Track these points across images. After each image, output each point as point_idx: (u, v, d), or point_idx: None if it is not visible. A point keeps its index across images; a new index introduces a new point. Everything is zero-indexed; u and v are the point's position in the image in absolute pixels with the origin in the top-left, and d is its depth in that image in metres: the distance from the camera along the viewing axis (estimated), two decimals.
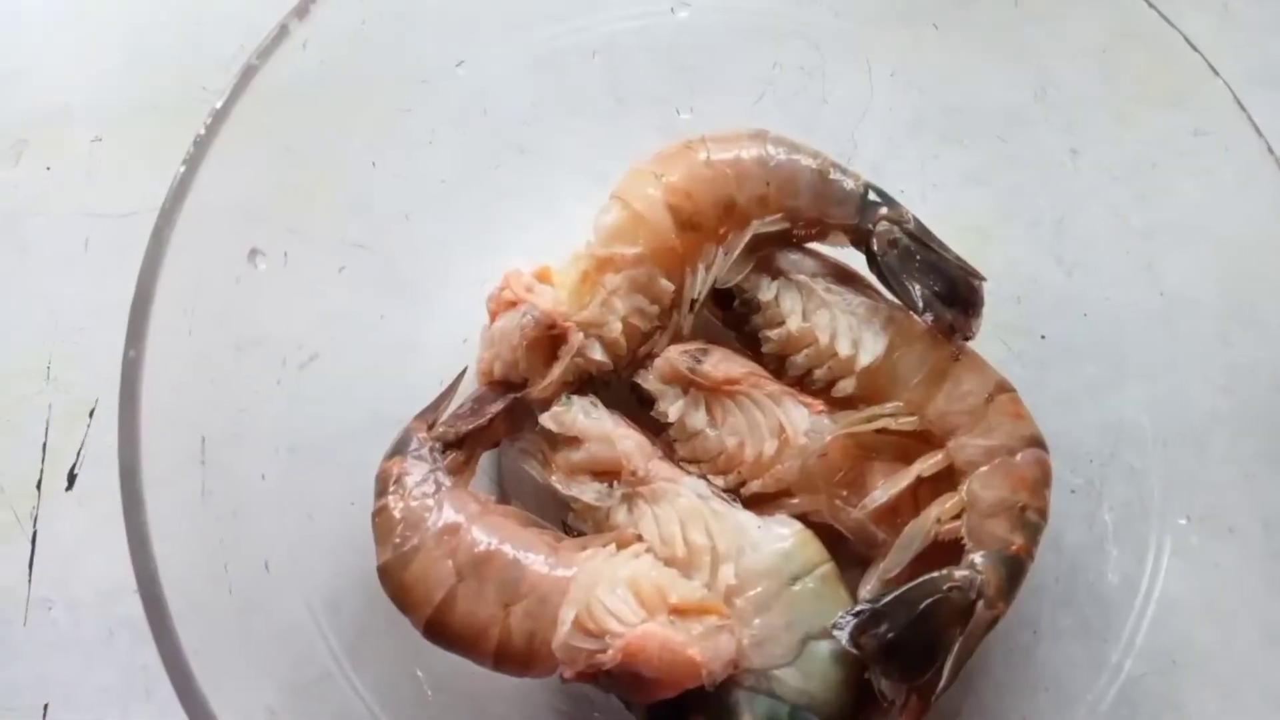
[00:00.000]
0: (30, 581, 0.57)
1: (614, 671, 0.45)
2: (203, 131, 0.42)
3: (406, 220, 0.56)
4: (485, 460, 0.55)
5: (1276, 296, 0.53)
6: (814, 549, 0.49)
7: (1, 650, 0.55)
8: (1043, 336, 0.57)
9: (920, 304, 0.50)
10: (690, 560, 0.48)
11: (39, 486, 0.58)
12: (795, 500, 0.50)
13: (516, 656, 0.46)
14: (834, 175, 0.52)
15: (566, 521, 0.52)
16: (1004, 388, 0.51)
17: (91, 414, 0.59)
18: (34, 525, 0.57)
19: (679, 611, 0.45)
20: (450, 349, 0.55)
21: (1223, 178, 0.54)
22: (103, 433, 0.59)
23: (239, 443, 0.51)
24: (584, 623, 0.45)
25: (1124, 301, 0.56)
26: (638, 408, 0.53)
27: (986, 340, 0.56)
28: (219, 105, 0.42)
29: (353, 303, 0.55)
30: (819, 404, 0.51)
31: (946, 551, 0.48)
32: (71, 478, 0.58)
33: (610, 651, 0.44)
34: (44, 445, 0.58)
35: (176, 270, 0.45)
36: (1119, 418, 0.55)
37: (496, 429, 0.52)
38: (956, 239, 0.53)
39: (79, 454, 0.58)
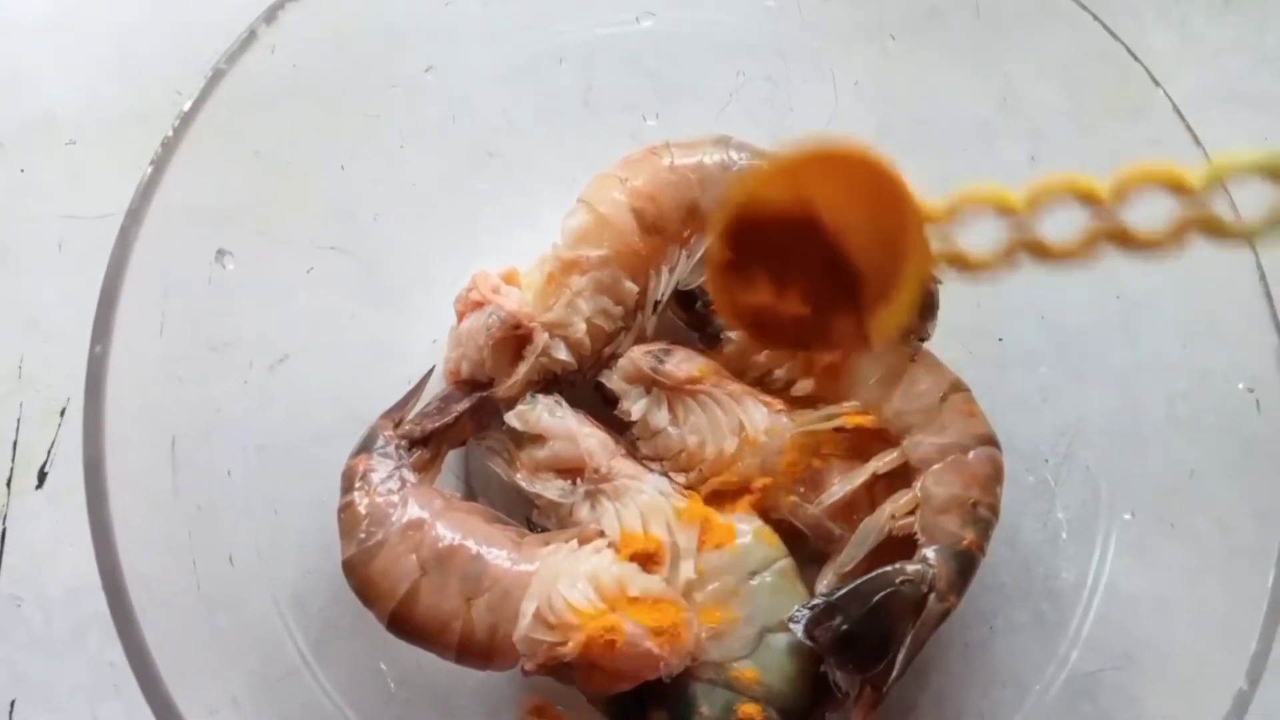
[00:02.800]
0: None
1: (574, 663, 0.46)
2: (170, 134, 0.43)
3: (376, 223, 0.57)
4: (452, 458, 0.56)
5: (1229, 303, 0.54)
6: (772, 544, 0.50)
7: None
8: (1000, 339, 0.59)
9: None
10: (650, 555, 0.49)
11: (9, 484, 0.58)
12: (754, 497, 0.51)
13: (479, 649, 0.47)
14: None
15: (531, 518, 0.53)
16: (958, 387, 0.52)
17: (63, 413, 0.59)
18: (3, 523, 0.58)
19: (638, 604, 0.46)
20: (419, 350, 0.56)
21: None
22: (74, 432, 0.58)
23: (208, 442, 0.51)
24: (545, 615, 0.46)
25: (1081, 306, 0.58)
26: (602, 407, 0.54)
27: (945, 342, 0.57)
28: (186, 108, 0.43)
29: (323, 304, 0.56)
30: (778, 403, 0.52)
31: (900, 547, 0.49)
32: (42, 476, 0.59)
33: (570, 644, 0.45)
34: (14, 443, 0.59)
35: (145, 269, 0.45)
36: (1075, 419, 0.56)
37: (462, 427, 0.53)
38: None
39: (50, 453, 0.59)
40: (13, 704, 0.55)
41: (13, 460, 0.59)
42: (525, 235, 0.56)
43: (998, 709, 0.53)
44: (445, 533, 0.48)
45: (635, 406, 0.52)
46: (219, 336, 0.52)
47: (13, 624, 0.56)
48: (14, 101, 0.64)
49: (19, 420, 0.59)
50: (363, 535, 0.48)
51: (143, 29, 0.66)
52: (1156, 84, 0.50)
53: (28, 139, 0.64)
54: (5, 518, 0.58)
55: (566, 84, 0.59)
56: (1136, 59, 0.50)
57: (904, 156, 0.60)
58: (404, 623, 0.47)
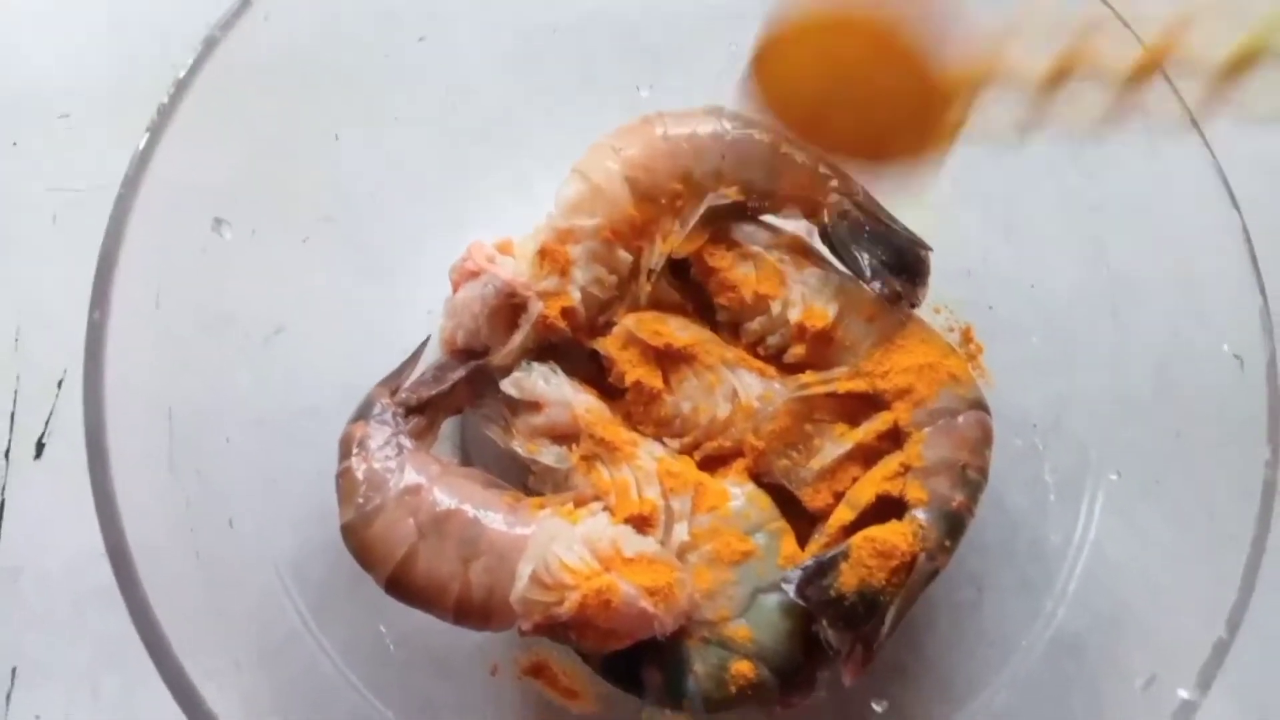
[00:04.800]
0: None
1: (570, 623, 0.46)
2: (165, 100, 0.43)
3: (371, 195, 0.57)
4: (450, 429, 0.57)
5: (1213, 271, 0.55)
6: (764, 507, 0.51)
7: None
8: (990, 307, 0.59)
9: (868, 272, 0.52)
10: (645, 519, 0.50)
11: (7, 456, 0.59)
12: (747, 461, 0.52)
13: (476, 610, 0.47)
14: (786, 149, 0.54)
15: (527, 484, 0.53)
16: (949, 353, 0.53)
17: (60, 386, 0.60)
18: (2, 494, 0.58)
19: (633, 565, 0.47)
20: (415, 321, 0.57)
21: (1166, 157, 0.56)
22: (71, 404, 0.59)
23: (206, 415, 0.52)
24: (541, 576, 0.46)
25: (1070, 275, 0.58)
26: (597, 374, 0.54)
27: (939, 312, 0.58)
28: (181, 75, 0.43)
29: (318, 277, 0.56)
30: (771, 369, 0.53)
31: (891, 508, 0.50)
32: (39, 447, 0.59)
33: (566, 604, 0.46)
34: (12, 416, 0.59)
35: (141, 238, 0.46)
36: (1063, 385, 0.57)
37: (458, 396, 0.53)
38: (910, 215, 0.55)
39: (47, 424, 0.59)
40: (14, 671, 0.56)
41: (10, 432, 0.59)
42: (518, 207, 0.56)
43: (985, 668, 0.54)
44: (442, 497, 0.49)
45: (630, 374, 0.53)
46: (215, 310, 0.53)
47: (12, 595, 0.57)
48: (4, 75, 0.64)
49: (16, 393, 0.60)
50: (361, 500, 0.48)
51: (132, 1, 0.66)
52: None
53: (19, 113, 0.64)
54: (4, 489, 0.58)
55: (560, 56, 0.59)
56: (1125, 24, 0.50)
57: None
58: (402, 585, 0.48)
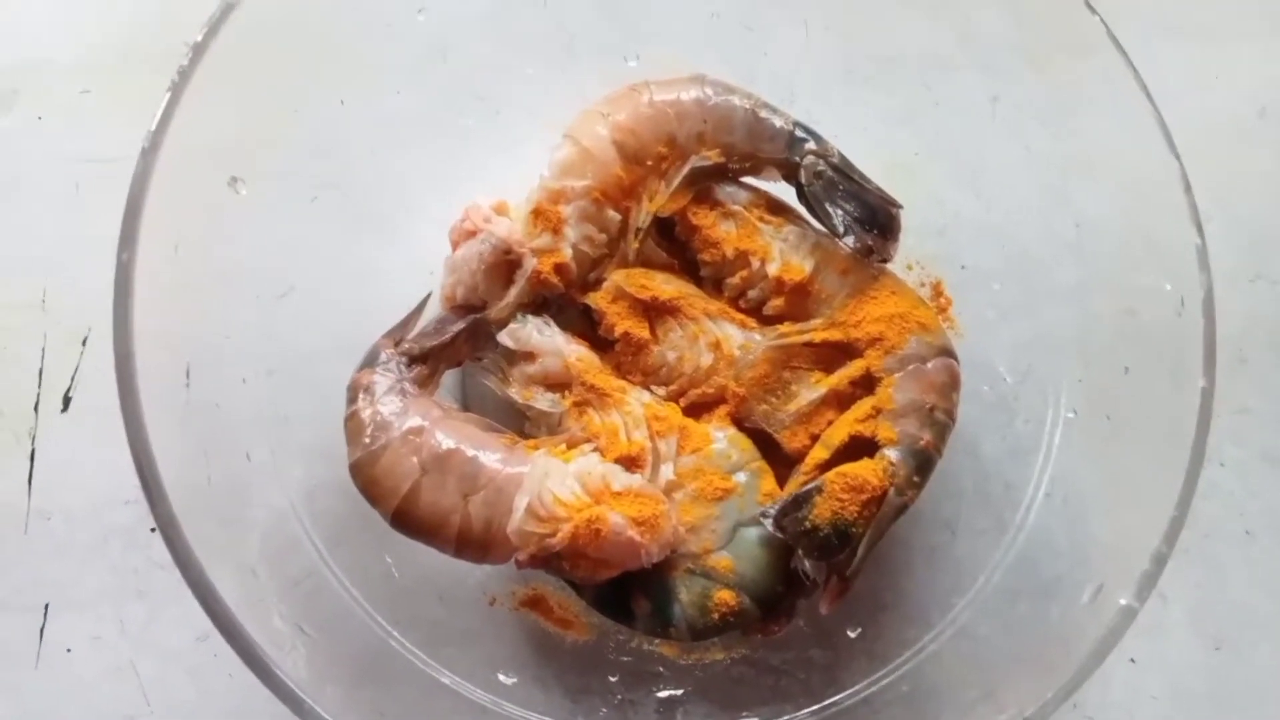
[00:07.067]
0: (30, 495, 0.61)
1: (563, 553, 0.50)
2: (185, 63, 0.46)
3: (374, 159, 0.60)
4: (452, 384, 0.60)
5: (1173, 225, 0.58)
6: (745, 449, 0.54)
7: (5, 556, 0.60)
8: (963, 266, 0.62)
9: (842, 229, 0.55)
10: (634, 459, 0.53)
11: (36, 409, 0.62)
12: (729, 407, 0.55)
13: (476, 542, 0.51)
14: (764, 114, 0.57)
15: (524, 431, 0.57)
16: (918, 304, 0.56)
17: (84, 342, 0.63)
18: (32, 444, 0.62)
19: (621, 498, 0.50)
20: (417, 280, 0.60)
21: (1128, 119, 0.59)
22: (95, 359, 0.63)
23: (221, 367, 0.55)
24: (536, 509, 0.50)
25: (1038, 232, 0.61)
26: (588, 327, 0.58)
27: (911, 269, 0.61)
28: (199, 38, 0.47)
29: (326, 235, 0.59)
30: (751, 321, 0.56)
31: (864, 448, 0.53)
32: (66, 400, 0.63)
33: (559, 534, 0.49)
34: (40, 371, 0.63)
35: (162, 195, 0.49)
36: (1033, 337, 0.60)
37: (458, 348, 0.57)
38: (885, 177, 0.57)
39: (73, 378, 0.63)
40: (46, 607, 0.59)
41: (39, 386, 0.63)
42: (510, 171, 0.59)
43: (956, 605, 0.57)
44: (443, 438, 0.52)
45: (620, 326, 0.56)
46: (229, 270, 0.56)
47: (42, 536, 0.61)
48: (22, 48, 0.68)
49: (43, 349, 0.63)
50: (368, 440, 0.52)
51: None
52: (1109, 32, 0.53)
53: (43, 87, 0.67)
54: (34, 439, 0.62)
55: (550, 27, 0.62)
56: (1094, 10, 0.53)
57: (871, 93, 0.65)
58: (407, 519, 0.51)
